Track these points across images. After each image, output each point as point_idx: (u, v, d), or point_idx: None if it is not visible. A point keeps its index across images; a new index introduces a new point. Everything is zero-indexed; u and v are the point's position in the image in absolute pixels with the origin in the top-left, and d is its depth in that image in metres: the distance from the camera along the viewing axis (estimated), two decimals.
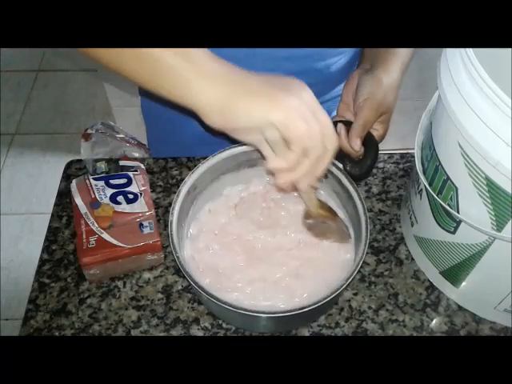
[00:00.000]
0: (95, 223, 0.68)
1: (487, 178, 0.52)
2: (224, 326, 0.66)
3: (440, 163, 0.59)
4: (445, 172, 0.59)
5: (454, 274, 0.65)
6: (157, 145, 0.93)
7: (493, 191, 0.53)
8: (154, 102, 0.83)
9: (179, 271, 0.70)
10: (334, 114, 0.80)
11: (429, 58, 1.05)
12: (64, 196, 0.78)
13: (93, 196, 0.71)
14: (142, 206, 0.70)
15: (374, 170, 0.81)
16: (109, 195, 0.71)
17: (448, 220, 0.61)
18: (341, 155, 0.70)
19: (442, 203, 0.59)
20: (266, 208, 0.70)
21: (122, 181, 0.73)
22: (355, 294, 0.69)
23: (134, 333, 0.65)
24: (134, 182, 0.73)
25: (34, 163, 1.95)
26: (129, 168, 0.75)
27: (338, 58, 0.77)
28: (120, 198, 0.71)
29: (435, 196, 0.60)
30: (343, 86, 0.78)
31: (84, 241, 0.67)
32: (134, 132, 0.80)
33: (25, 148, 2.00)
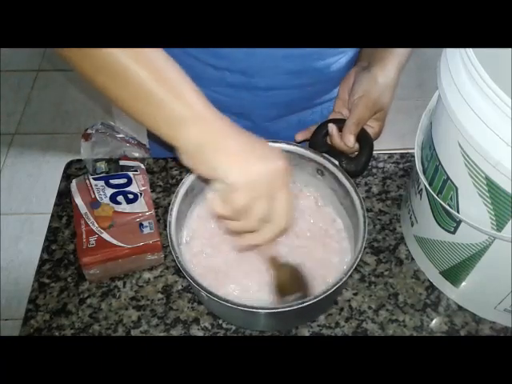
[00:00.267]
0: (95, 223, 0.68)
1: (487, 178, 0.52)
2: (224, 325, 0.66)
3: (440, 163, 0.59)
4: (445, 172, 0.59)
5: (454, 273, 0.65)
6: (157, 145, 0.93)
7: (493, 191, 0.53)
8: None
9: (179, 271, 0.70)
10: None
11: (428, 57, 1.05)
12: (64, 196, 0.78)
13: (93, 196, 0.71)
14: (141, 206, 0.70)
15: (374, 170, 0.81)
16: (109, 195, 0.71)
17: (448, 220, 0.61)
18: (336, 152, 0.70)
19: (442, 203, 0.59)
20: None
21: (122, 181, 0.73)
22: (355, 294, 0.69)
23: (134, 333, 0.65)
24: (134, 181, 0.73)
25: (34, 163, 1.95)
26: (129, 168, 0.75)
27: (339, 57, 0.77)
28: (120, 198, 0.71)
29: (435, 196, 0.60)
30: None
31: (84, 241, 0.67)
32: (134, 132, 0.80)
33: (25, 148, 2.00)
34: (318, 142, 0.71)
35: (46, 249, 0.73)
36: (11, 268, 1.67)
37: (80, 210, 0.69)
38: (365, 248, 0.72)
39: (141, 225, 0.69)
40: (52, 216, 0.76)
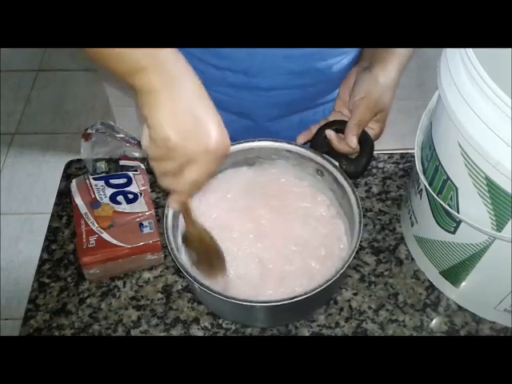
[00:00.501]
0: (95, 223, 0.68)
1: (487, 178, 0.52)
2: (224, 325, 0.66)
3: (440, 163, 0.59)
4: (445, 172, 0.59)
5: (454, 274, 0.65)
6: None
7: (493, 191, 0.53)
8: None
9: (179, 271, 0.70)
10: None
11: (428, 57, 1.05)
12: (64, 196, 0.78)
13: (93, 196, 0.71)
14: (141, 206, 0.70)
15: (374, 170, 0.81)
16: (109, 195, 0.71)
17: (448, 220, 0.61)
18: (337, 153, 0.70)
19: (442, 203, 0.59)
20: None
21: (122, 181, 0.73)
22: (355, 294, 0.69)
23: (134, 333, 0.65)
24: (133, 181, 0.73)
25: (34, 163, 1.95)
26: (129, 168, 0.75)
27: (340, 58, 0.77)
28: (120, 198, 0.71)
29: (435, 196, 0.60)
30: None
31: (84, 241, 0.67)
32: (134, 132, 0.80)
33: (25, 148, 2.00)
34: (319, 142, 0.72)
35: (46, 249, 0.73)
36: (11, 268, 1.67)
37: (80, 209, 0.69)
38: (364, 248, 0.73)
39: (141, 225, 0.69)
40: (52, 216, 0.76)
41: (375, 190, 0.79)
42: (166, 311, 0.67)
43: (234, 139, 0.61)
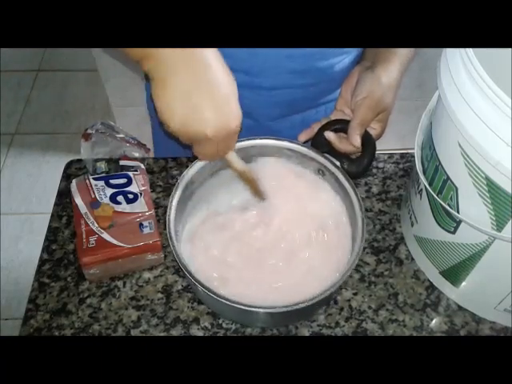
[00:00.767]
0: (95, 223, 0.68)
1: (487, 178, 0.52)
2: (224, 325, 0.66)
3: (440, 163, 0.59)
4: (445, 172, 0.59)
5: (454, 273, 0.65)
6: (162, 142, 0.92)
7: (493, 191, 0.53)
8: None
9: (179, 271, 0.70)
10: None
11: (428, 57, 1.05)
12: (64, 196, 0.78)
13: (93, 196, 0.71)
14: (141, 206, 0.70)
15: (374, 170, 0.81)
16: (109, 195, 0.71)
17: (448, 220, 0.61)
18: (338, 153, 0.70)
19: (442, 203, 0.59)
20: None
21: (122, 181, 0.73)
22: (355, 294, 0.69)
23: (134, 333, 0.65)
24: (134, 181, 0.73)
25: (34, 163, 1.95)
26: (129, 168, 0.75)
27: (342, 57, 0.77)
28: (120, 198, 0.71)
29: (435, 196, 0.60)
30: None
31: (84, 241, 0.67)
32: (134, 132, 0.80)
33: (25, 148, 2.00)
34: (321, 141, 0.72)
35: (46, 249, 0.73)
36: (11, 268, 1.67)
37: (80, 209, 0.69)
38: (364, 248, 0.72)
39: (141, 225, 0.69)
40: (52, 216, 0.76)
41: (375, 189, 0.79)
42: (166, 311, 0.67)
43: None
